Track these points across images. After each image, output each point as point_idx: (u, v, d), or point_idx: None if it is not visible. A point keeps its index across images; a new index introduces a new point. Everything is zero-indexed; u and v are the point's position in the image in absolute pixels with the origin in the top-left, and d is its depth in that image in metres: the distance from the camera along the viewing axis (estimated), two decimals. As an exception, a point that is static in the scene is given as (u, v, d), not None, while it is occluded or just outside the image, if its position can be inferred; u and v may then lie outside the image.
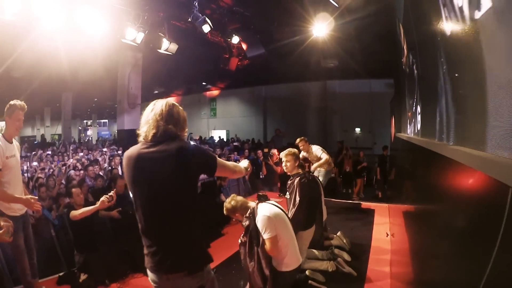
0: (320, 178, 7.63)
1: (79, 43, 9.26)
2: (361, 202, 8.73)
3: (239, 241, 3.67)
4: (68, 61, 11.36)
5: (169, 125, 2.16)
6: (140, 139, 2.20)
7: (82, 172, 8.61)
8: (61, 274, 4.92)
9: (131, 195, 4.98)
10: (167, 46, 9.11)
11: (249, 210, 3.55)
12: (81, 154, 12.28)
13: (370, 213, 7.56)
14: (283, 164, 4.71)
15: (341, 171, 11.97)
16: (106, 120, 36.69)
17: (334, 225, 6.43)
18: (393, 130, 8.67)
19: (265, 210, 3.44)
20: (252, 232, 3.49)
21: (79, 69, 12.78)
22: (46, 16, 6.93)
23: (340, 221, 6.92)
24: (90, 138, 29.10)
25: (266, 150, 10.44)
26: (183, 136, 2.27)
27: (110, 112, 31.91)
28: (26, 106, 3.75)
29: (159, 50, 9.13)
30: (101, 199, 4.44)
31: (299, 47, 9.80)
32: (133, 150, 2.21)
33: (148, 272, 2.23)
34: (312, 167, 7.09)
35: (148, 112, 2.23)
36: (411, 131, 4.29)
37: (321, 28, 8.62)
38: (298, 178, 4.53)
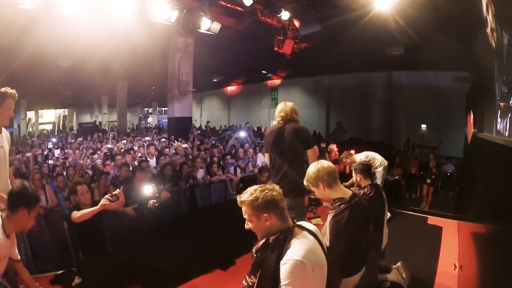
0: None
1: (119, 29, 8.77)
2: (428, 216, 7.43)
3: (244, 283, 2.37)
4: (112, 50, 11.21)
5: (293, 114, 4.21)
6: (276, 120, 4.26)
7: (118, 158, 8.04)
8: (59, 272, 4.63)
9: (147, 191, 4.28)
10: (209, 25, 8.22)
11: (277, 234, 2.16)
12: (124, 141, 11.92)
13: (437, 232, 6.37)
14: (316, 193, 3.05)
15: (406, 173, 10.60)
16: (167, 108, 37.28)
17: (394, 247, 5.05)
18: (470, 129, 7.18)
19: (301, 250, 2.07)
20: (267, 274, 2.14)
21: (128, 57, 12.59)
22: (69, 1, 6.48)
23: (401, 241, 5.60)
24: (150, 125, 29.58)
25: (323, 145, 9.23)
26: (297, 119, 4.24)
27: (171, 100, 32.29)
28: (16, 95, 3.46)
29: (199, 30, 8.29)
30: (102, 200, 3.76)
31: (359, 22, 8.45)
32: (274, 126, 4.30)
33: None
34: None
35: (282, 107, 4.27)
36: (504, 128, 2.99)
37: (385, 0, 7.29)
38: (334, 215, 2.84)
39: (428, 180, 9.66)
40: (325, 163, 2.95)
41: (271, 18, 9.76)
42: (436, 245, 5.69)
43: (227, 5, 8.73)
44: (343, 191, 2.93)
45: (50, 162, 8.93)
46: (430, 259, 5.13)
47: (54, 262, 5.29)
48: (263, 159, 9.57)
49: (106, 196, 3.82)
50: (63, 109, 34.21)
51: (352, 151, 8.68)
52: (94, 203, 4.06)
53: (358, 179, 4.23)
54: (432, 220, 7.12)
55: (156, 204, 5.15)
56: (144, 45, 11.01)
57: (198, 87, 19.53)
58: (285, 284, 2.01)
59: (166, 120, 34.71)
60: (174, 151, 9.34)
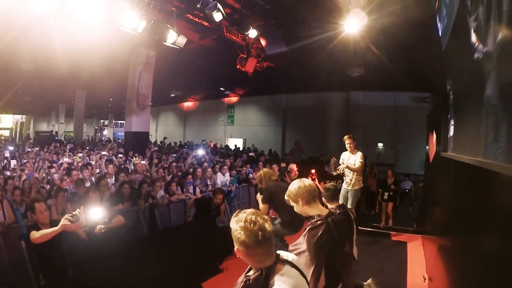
0: (349, 199, 6.84)
1: (84, 35, 8.61)
2: (391, 232, 7.81)
3: None
4: (76, 56, 10.85)
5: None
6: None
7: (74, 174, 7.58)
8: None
9: (95, 215, 3.89)
10: (175, 39, 8.01)
11: (258, 272, 1.95)
12: (80, 154, 11.34)
13: (402, 247, 6.67)
14: (294, 208, 3.17)
15: (364, 190, 10.79)
16: (124, 121, 36.50)
17: (362, 264, 4.97)
18: (432, 148, 7.54)
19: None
20: None
21: (89, 66, 12.22)
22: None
23: (368, 258, 5.70)
24: (105, 138, 28.85)
25: (283, 164, 9.14)
26: None
27: (127, 113, 31.81)
28: None
29: (165, 43, 8.05)
30: (62, 220, 3.44)
31: (326, 46, 8.57)
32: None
33: None
34: (342, 166, 6.70)
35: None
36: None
37: (353, 23, 7.43)
38: (310, 228, 2.98)
39: (385, 196, 9.64)
40: (307, 182, 3.07)
41: (236, 35, 9.70)
42: (402, 259, 5.97)
43: (195, 19, 8.56)
44: (320, 209, 3.08)
45: (7, 173, 8.29)
46: (399, 274, 5.35)
47: (13, 284, 4.84)
48: (222, 178, 9.38)
49: (67, 216, 3.53)
50: (21, 115, 33.42)
51: (313, 171, 8.72)
52: (52, 222, 3.75)
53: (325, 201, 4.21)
54: (396, 236, 7.45)
55: (103, 231, 4.72)
56: (106, 55, 10.78)
57: (155, 101, 19.21)
58: None
59: (122, 134, 34.07)
60: (133, 168, 8.95)
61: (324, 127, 18.26)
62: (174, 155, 13.75)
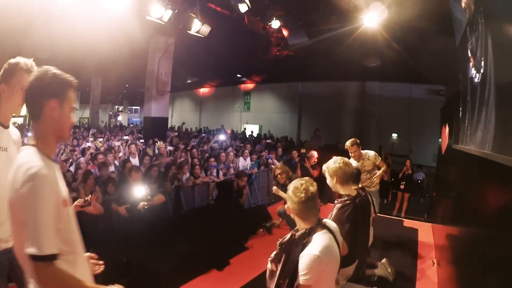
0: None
1: (104, 23, 8.66)
2: (403, 219, 8.08)
3: (268, 264, 2.59)
4: (94, 43, 10.92)
5: None
6: None
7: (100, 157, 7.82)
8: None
9: (139, 193, 4.20)
10: (199, 27, 8.22)
11: (303, 230, 2.41)
12: (100, 139, 11.65)
13: (413, 233, 6.84)
14: (327, 180, 3.45)
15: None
16: (138, 107, 36.76)
17: (376, 246, 5.48)
18: (444, 141, 7.58)
19: (319, 246, 2.31)
20: (290, 265, 2.40)
21: (107, 53, 12.33)
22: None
23: (382, 242, 5.98)
24: (119, 124, 29.03)
25: (303, 150, 9.38)
26: None
27: (142, 99, 31.93)
28: (34, 67, 2.29)
29: (189, 32, 8.27)
30: (74, 203, 3.68)
31: (346, 38, 8.71)
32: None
33: None
34: (375, 180, 5.78)
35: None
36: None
37: (372, 17, 7.55)
38: (340, 206, 3.29)
39: (401, 186, 9.91)
40: (348, 163, 3.32)
41: (256, 24, 9.85)
42: (413, 244, 6.17)
43: (217, 8, 8.74)
44: (351, 190, 3.35)
45: None
46: (410, 257, 5.58)
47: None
48: (244, 162, 9.65)
49: (78, 200, 3.63)
50: None
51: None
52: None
53: None
54: (408, 223, 7.64)
55: (146, 207, 5.13)
56: (124, 42, 10.89)
57: (171, 87, 19.52)
58: (303, 275, 2.27)
59: (136, 119, 34.42)
60: (156, 152, 9.26)
61: (340, 116, 18.35)
62: (196, 140, 14.01)
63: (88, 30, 9.31)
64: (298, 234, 2.41)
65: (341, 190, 3.34)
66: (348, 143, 5.78)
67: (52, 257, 1.51)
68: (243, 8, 7.29)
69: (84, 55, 13.09)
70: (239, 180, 7.35)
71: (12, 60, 2.31)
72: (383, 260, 4.69)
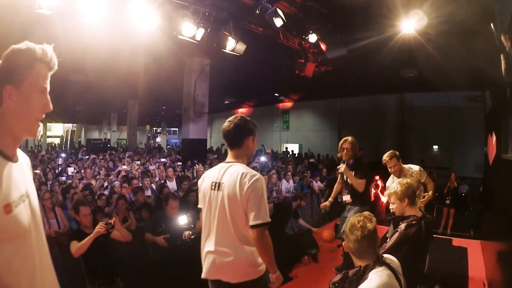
0: None
1: (137, 45, 8.77)
2: (452, 238, 7.64)
3: None
4: (129, 66, 11.08)
5: None
6: None
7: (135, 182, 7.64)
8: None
9: (182, 221, 3.92)
10: (233, 45, 8.05)
11: (357, 268, 2.26)
12: (138, 162, 11.64)
13: (462, 253, 6.48)
14: (394, 206, 3.26)
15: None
16: (176, 129, 37.39)
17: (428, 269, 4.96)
18: (492, 150, 7.02)
19: (375, 284, 2.10)
20: None
21: (142, 75, 12.50)
22: (89, 9, 6.01)
23: (432, 264, 5.41)
24: (158, 145, 29.49)
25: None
26: None
27: (180, 120, 32.49)
28: (55, 61, 1.52)
29: (224, 50, 8.12)
30: (97, 227, 3.57)
31: (383, 48, 8.36)
32: None
33: None
34: (421, 205, 4.74)
35: None
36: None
37: (410, 24, 7.22)
38: (406, 226, 3.05)
39: (447, 201, 9.59)
40: (412, 182, 3.26)
41: (292, 40, 9.59)
42: (463, 265, 5.85)
43: (251, 26, 8.54)
44: (416, 211, 3.20)
45: (63, 179, 8.59)
46: (460, 279, 5.31)
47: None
48: (286, 185, 9.27)
49: (101, 223, 3.64)
50: (71, 124, 34.38)
51: (377, 177, 8.37)
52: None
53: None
54: (456, 241, 7.29)
55: (192, 236, 4.76)
56: (160, 64, 10.98)
57: (209, 109, 19.68)
58: None
59: (175, 141, 34.93)
60: (195, 175, 9.02)
61: (379, 131, 17.99)
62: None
63: (122, 53, 9.39)
64: (351, 272, 2.28)
65: (408, 212, 3.17)
66: (385, 156, 4.87)
67: None
68: (278, 22, 7.03)
69: (119, 79, 13.23)
70: (301, 200, 7.08)
71: (21, 46, 1.40)
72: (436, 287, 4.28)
